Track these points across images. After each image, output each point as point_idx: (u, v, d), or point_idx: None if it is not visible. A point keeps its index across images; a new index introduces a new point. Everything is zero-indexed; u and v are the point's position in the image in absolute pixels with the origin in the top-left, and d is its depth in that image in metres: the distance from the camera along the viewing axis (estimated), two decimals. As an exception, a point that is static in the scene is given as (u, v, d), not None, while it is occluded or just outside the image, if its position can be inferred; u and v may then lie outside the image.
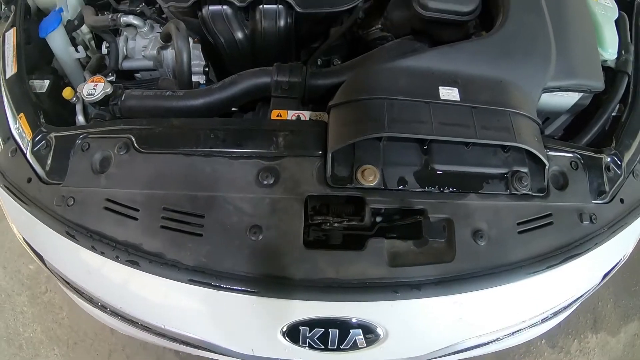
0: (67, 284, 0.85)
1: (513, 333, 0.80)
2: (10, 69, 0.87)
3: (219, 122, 0.71)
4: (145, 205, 0.64)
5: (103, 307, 0.82)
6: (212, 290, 0.59)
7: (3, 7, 0.99)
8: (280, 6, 0.84)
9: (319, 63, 0.93)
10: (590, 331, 1.60)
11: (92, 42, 1.13)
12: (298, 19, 0.87)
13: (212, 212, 0.62)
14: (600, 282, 0.88)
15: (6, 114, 0.81)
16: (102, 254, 0.64)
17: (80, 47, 1.08)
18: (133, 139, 0.68)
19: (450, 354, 0.75)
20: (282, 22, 0.86)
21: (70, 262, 0.72)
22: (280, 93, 0.77)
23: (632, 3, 1.08)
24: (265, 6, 0.84)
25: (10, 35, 0.91)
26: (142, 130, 0.70)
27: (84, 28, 1.08)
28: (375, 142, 0.66)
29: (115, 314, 0.80)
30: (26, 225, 0.75)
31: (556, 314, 0.89)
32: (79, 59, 1.09)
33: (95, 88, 0.80)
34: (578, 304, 0.99)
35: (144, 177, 0.66)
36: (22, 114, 0.79)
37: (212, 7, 0.84)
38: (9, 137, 0.78)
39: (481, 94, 0.68)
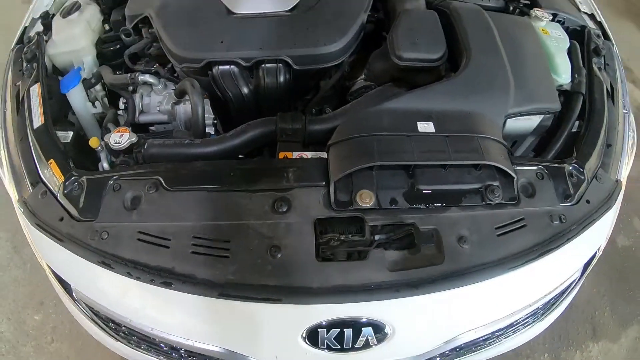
0: (94, 314, 0.95)
1: (508, 329, 0.93)
2: (38, 120, 1.00)
3: (236, 163, 0.87)
4: (176, 235, 0.77)
5: (128, 336, 0.93)
6: (240, 302, 0.72)
7: (25, 64, 1.14)
8: (280, 64, 1.03)
9: (313, 112, 1.10)
10: (591, 340, 1.71)
11: (105, 99, 1.30)
12: (295, 74, 1.06)
13: (237, 238, 0.76)
14: (582, 275, 1.01)
15: (34, 161, 0.93)
16: (137, 278, 0.75)
17: (97, 103, 1.25)
18: (161, 179, 0.83)
19: (453, 351, 0.87)
20: (281, 78, 1.04)
21: (103, 289, 0.83)
22: (285, 138, 0.93)
23: (583, 31, 1.31)
24: (267, 65, 1.03)
25: (35, 90, 1.05)
26: (169, 172, 0.84)
27: (98, 86, 1.26)
28: (368, 171, 0.82)
29: (141, 340, 0.91)
30: (56, 258, 0.87)
31: (545, 310, 1.02)
32: (94, 113, 1.26)
33: (121, 137, 0.95)
34: (567, 302, 1.12)
35: (174, 212, 0.80)
36: (52, 160, 0.91)
37: (221, 67, 1.02)
38: (37, 181, 0.90)
39: (453, 125, 0.86)
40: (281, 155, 0.90)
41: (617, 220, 2.06)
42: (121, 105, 1.18)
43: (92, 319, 0.98)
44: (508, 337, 1.00)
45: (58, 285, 0.98)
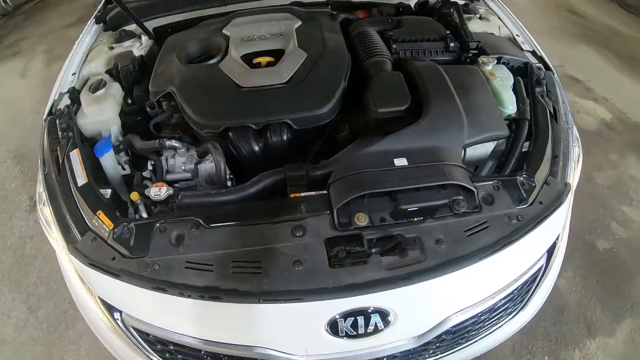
0: (142, 338, 1.20)
1: (491, 313, 1.21)
2: (81, 179, 1.26)
3: (260, 203, 1.18)
4: (217, 261, 1.06)
5: (174, 355, 1.17)
6: (275, 304, 1.01)
7: (61, 133, 1.43)
8: (283, 126, 1.37)
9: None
10: (587, 338, 1.95)
11: (129, 164, 1.62)
12: (295, 133, 1.40)
13: (266, 258, 1.06)
14: (548, 262, 1.30)
15: (81, 214, 1.19)
16: (189, 296, 1.02)
17: (126, 165, 1.57)
18: (200, 220, 1.13)
19: (447, 335, 1.15)
20: (285, 137, 1.38)
21: (156, 310, 1.09)
22: (293, 183, 1.25)
23: (526, 67, 1.70)
24: (272, 127, 1.37)
25: (75, 154, 1.33)
26: (206, 214, 1.15)
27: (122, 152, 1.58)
28: (361, 199, 1.14)
29: (186, 357, 1.16)
30: (109, 291, 1.14)
31: (522, 296, 1.30)
32: (122, 175, 1.57)
33: (160, 190, 1.25)
34: (545, 292, 1.39)
35: (214, 243, 1.09)
36: (100, 211, 1.17)
37: (236, 131, 1.36)
38: (86, 230, 1.15)
39: (421, 158, 1.21)
40: (292, 195, 1.22)
41: (596, 226, 2.44)
42: (149, 167, 1.50)
43: (137, 344, 1.21)
44: (495, 324, 1.28)
45: (104, 318, 1.22)
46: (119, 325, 1.20)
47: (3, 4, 4.85)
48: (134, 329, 1.19)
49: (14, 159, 3.00)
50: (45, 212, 1.33)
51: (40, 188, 1.37)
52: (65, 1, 4.99)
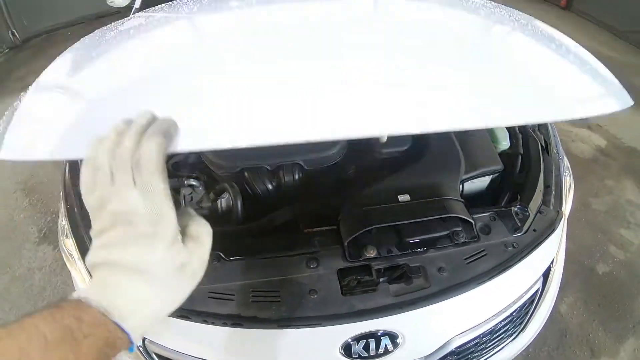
0: None
1: (493, 334, 1.34)
2: None
3: (276, 238, 1.33)
4: (238, 291, 1.19)
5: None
6: (293, 329, 1.14)
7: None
8: (294, 167, 1.53)
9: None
10: (591, 360, 2.08)
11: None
12: (305, 173, 1.55)
13: (284, 287, 1.19)
14: (545, 285, 1.44)
15: None
16: (212, 323, 1.14)
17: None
18: (221, 254, 1.28)
19: (452, 355, 1.27)
20: (296, 176, 1.53)
21: (180, 337, 1.21)
22: (305, 219, 1.39)
23: None
24: (285, 167, 1.53)
25: None
26: (226, 248, 1.29)
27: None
28: (369, 233, 1.29)
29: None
30: None
31: (522, 319, 1.43)
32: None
33: None
34: (544, 315, 1.52)
35: (234, 275, 1.22)
36: None
37: (252, 171, 1.52)
38: None
39: (422, 193, 1.36)
40: (305, 230, 1.36)
41: (595, 251, 2.58)
42: None
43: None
44: (497, 345, 1.41)
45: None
46: (141, 352, 1.31)
47: (12, 37, 5.09)
48: (156, 355, 1.30)
49: (22, 190, 3.14)
50: (68, 244, 1.47)
51: (63, 221, 1.52)
52: (74, 37, 5.25)
